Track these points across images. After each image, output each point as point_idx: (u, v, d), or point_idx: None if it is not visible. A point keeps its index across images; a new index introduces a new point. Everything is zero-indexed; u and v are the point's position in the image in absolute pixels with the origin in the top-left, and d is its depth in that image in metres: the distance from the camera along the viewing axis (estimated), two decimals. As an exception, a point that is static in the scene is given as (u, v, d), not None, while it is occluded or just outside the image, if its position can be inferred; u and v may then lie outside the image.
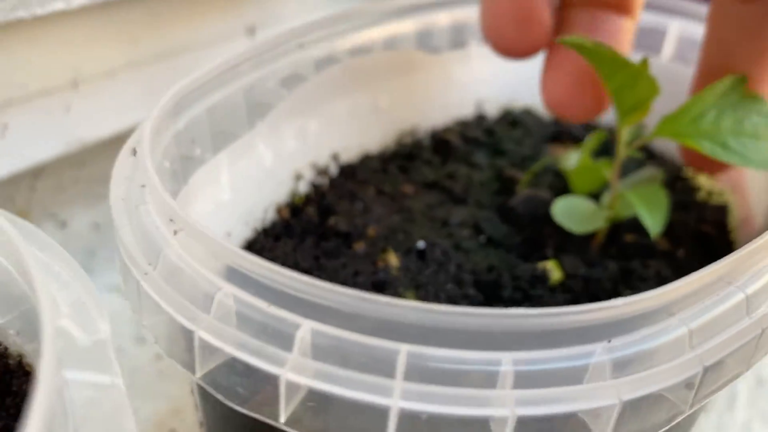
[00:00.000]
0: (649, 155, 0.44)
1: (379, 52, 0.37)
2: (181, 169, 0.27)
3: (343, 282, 0.31)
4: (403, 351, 0.19)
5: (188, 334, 0.20)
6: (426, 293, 0.30)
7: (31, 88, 0.36)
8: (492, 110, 0.45)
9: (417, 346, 0.19)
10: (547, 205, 0.36)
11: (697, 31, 0.40)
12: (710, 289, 0.22)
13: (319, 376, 0.19)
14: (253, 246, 0.32)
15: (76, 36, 0.38)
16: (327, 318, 0.20)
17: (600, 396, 0.19)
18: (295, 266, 0.31)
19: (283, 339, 0.20)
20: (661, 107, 0.31)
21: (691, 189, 0.41)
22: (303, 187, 0.35)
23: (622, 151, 0.33)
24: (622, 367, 0.20)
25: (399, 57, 0.38)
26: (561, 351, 0.20)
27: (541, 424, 0.19)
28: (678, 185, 0.41)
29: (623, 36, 0.33)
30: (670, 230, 0.37)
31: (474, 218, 0.36)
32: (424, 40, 0.39)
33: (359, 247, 0.33)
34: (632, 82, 0.29)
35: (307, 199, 0.34)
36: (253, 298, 0.21)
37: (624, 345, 0.20)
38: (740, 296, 0.22)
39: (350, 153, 0.38)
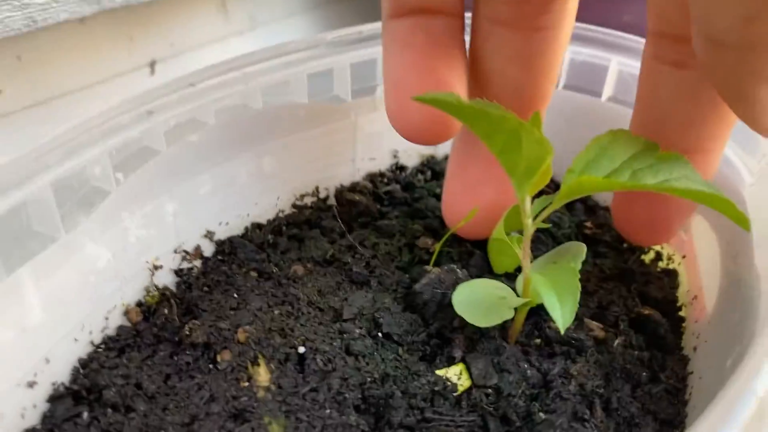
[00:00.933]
0: (590, 210, 0.38)
1: (259, 109, 0.31)
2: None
3: (193, 414, 0.25)
4: None
5: None
6: (297, 422, 0.25)
7: None
8: (411, 160, 0.39)
9: None
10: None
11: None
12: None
13: None
14: (87, 365, 0.26)
15: None
16: None
17: None
18: (137, 390, 0.25)
19: None
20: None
21: (639, 250, 0.35)
22: (166, 279, 0.29)
23: (528, 226, 0.27)
24: None
25: (286, 111, 0.32)
26: None
27: None
28: (623, 245, 0.36)
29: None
30: (606, 309, 0.32)
31: (372, 308, 0.30)
32: (320, 87, 0.33)
33: (224, 357, 0.27)
34: (517, 143, 0.23)
35: (164, 296, 0.28)
36: None
37: None
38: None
39: (230, 227, 0.32)
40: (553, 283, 0.26)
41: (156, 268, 0.29)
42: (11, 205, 0.22)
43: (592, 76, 0.36)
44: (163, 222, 0.28)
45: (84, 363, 0.26)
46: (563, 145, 0.29)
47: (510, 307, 0.27)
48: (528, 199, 0.27)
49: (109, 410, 0.25)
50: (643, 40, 0.27)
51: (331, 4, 0.57)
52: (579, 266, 0.28)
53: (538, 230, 0.35)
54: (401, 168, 0.38)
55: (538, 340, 0.29)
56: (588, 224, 0.37)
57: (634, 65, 0.35)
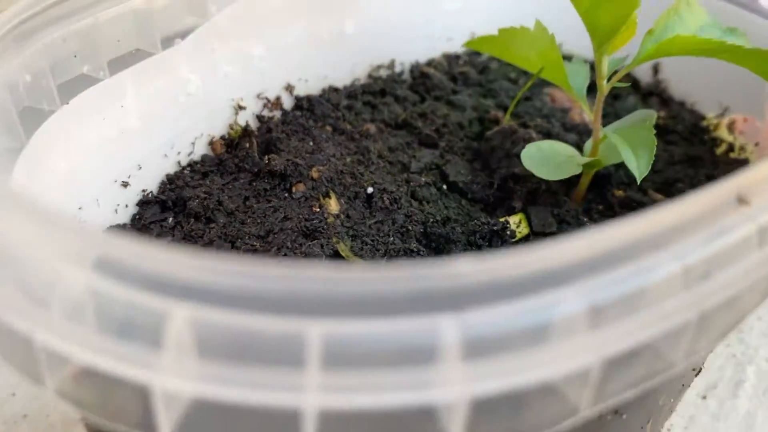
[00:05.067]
0: (664, 102, 0.38)
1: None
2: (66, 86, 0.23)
3: (269, 228, 0.27)
4: (313, 332, 0.13)
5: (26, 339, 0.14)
6: (362, 245, 0.26)
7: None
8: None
9: (332, 321, 0.13)
10: (527, 142, 0.31)
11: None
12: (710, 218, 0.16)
13: (204, 378, 0.13)
14: (173, 181, 0.28)
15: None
16: (211, 300, 0.13)
17: (575, 355, 0.14)
18: (219, 206, 0.27)
19: (153, 334, 0.13)
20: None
21: (710, 141, 0.35)
22: (249, 120, 0.31)
23: (603, 87, 0.27)
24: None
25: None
26: (518, 305, 0.14)
27: (500, 404, 0.14)
28: (696, 137, 0.35)
29: None
30: (672, 185, 0.32)
31: (439, 162, 0.31)
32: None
33: (299, 189, 0.29)
34: (614, 5, 0.24)
35: (246, 132, 0.30)
36: (109, 283, 0.14)
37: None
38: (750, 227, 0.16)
39: (309, 85, 0.34)
40: (628, 138, 0.27)
41: (240, 108, 0.31)
42: (117, 13, 0.24)
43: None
44: (249, 63, 0.30)
45: (170, 179, 0.28)
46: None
47: (578, 164, 0.28)
48: (605, 59, 0.27)
49: (192, 219, 0.27)
50: None
51: None
52: (652, 126, 0.28)
53: (608, 117, 0.36)
54: (477, 52, 0.39)
55: (600, 206, 0.30)
56: (662, 114, 0.36)
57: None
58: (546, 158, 0.28)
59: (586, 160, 0.28)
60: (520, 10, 0.36)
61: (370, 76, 0.36)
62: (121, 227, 0.26)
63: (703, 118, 0.36)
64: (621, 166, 0.30)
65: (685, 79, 0.37)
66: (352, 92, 0.35)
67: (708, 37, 0.27)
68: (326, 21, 0.33)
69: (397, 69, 0.37)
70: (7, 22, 0.20)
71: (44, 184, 0.21)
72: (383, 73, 0.37)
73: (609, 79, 0.28)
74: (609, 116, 0.36)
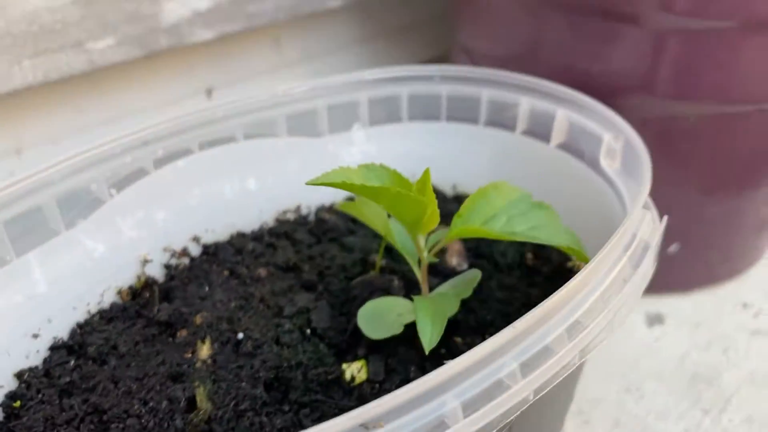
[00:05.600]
0: (539, 245, 0.42)
1: (241, 141, 0.39)
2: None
3: (146, 371, 0.33)
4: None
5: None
6: (218, 389, 0.32)
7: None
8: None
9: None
10: (384, 292, 0.36)
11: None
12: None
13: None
14: (83, 327, 0.35)
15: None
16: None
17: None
18: (113, 350, 0.34)
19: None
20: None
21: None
22: (154, 271, 0.38)
23: (424, 258, 0.33)
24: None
25: (266, 144, 0.40)
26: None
27: None
28: (560, 277, 0.40)
29: None
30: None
31: (311, 307, 0.37)
32: (299, 125, 0.41)
33: (182, 334, 0.35)
34: (399, 204, 0.29)
35: (147, 283, 0.37)
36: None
37: None
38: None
39: (216, 233, 0.40)
40: (433, 306, 0.32)
41: (146, 261, 0.37)
42: (27, 207, 0.32)
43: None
44: (153, 226, 0.37)
45: (80, 325, 0.35)
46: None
47: (401, 324, 0.33)
48: (421, 238, 0.33)
49: (90, 361, 0.34)
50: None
51: (380, 39, 0.65)
52: (469, 292, 0.33)
53: (481, 259, 0.41)
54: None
55: (443, 351, 0.35)
56: (529, 256, 0.41)
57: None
58: (377, 316, 0.33)
59: (410, 319, 0.33)
60: (420, 151, 0.42)
61: (277, 220, 0.42)
62: (31, 369, 0.33)
63: (569, 259, 0.40)
64: (468, 313, 0.35)
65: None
66: (258, 236, 0.42)
67: (513, 213, 0.32)
68: (227, 182, 0.39)
69: (303, 212, 0.43)
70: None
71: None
72: (290, 216, 0.43)
73: (431, 250, 0.33)
74: (484, 257, 0.41)
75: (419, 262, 0.34)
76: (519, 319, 0.25)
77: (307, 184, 0.28)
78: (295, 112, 0.40)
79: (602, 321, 0.26)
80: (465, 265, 0.40)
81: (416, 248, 0.33)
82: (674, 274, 0.52)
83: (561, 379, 0.25)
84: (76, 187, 0.33)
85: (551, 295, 0.25)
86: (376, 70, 0.41)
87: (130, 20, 0.44)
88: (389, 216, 0.35)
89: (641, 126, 0.44)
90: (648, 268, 0.29)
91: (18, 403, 0.32)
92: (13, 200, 0.31)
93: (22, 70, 0.41)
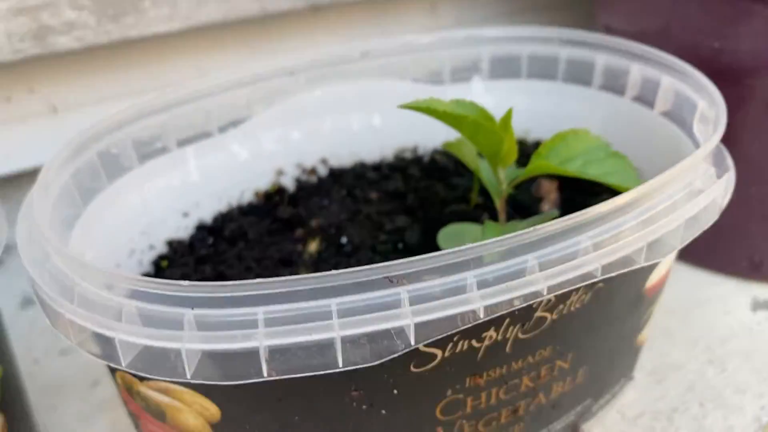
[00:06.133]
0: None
1: (372, 80, 0.45)
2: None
3: (266, 255, 0.41)
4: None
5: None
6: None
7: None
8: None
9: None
10: (472, 221, 0.41)
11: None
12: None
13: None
14: (225, 215, 0.43)
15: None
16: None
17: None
18: (243, 236, 0.42)
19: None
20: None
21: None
22: (287, 182, 0.46)
23: (503, 191, 0.37)
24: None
25: (392, 86, 0.45)
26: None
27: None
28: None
29: None
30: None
31: (408, 227, 0.42)
32: (424, 72, 0.46)
33: (299, 233, 0.42)
34: (477, 133, 0.34)
35: (279, 190, 0.45)
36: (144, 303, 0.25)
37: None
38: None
39: (342, 160, 0.47)
40: (497, 229, 0.36)
41: (281, 173, 0.45)
42: (193, 108, 0.40)
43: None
44: (289, 143, 0.44)
45: (222, 214, 0.44)
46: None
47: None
48: (501, 171, 0.37)
49: (224, 242, 0.42)
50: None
51: (528, 12, 0.68)
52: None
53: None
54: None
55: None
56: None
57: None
58: (455, 236, 0.38)
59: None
60: (535, 108, 0.46)
61: (395, 156, 0.48)
62: (179, 241, 0.42)
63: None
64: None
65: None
66: (377, 167, 0.48)
67: (590, 158, 0.35)
68: (355, 116, 0.46)
69: (420, 152, 0.49)
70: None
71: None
72: (408, 155, 0.48)
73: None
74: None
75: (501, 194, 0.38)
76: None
77: (398, 107, 0.33)
78: (420, 59, 0.46)
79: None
80: (557, 214, 0.43)
81: (498, 179, 0.37)
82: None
83: (626, 271, 0.28)
84: (231, 100, 0.41)
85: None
86: (500, 29, 0.46)
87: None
88: (479, 155, 0.39)
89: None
90: (696, 212, 0.31)
91: (165, 263, 0.41)
92: (182, 102, 0.40)
93: (209, 10, 0.50)
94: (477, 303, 0.26)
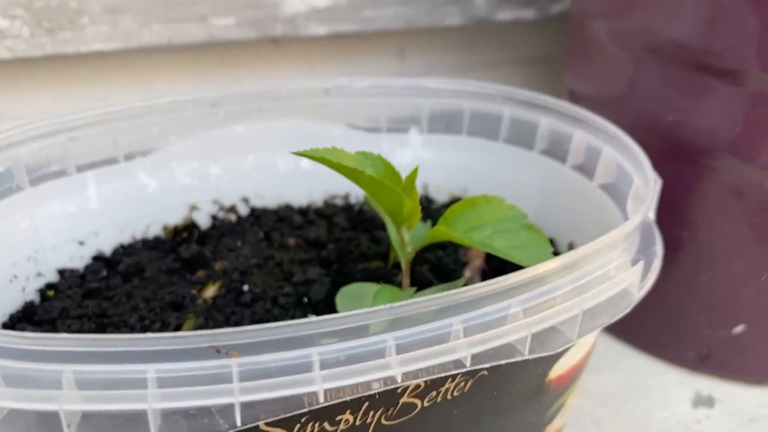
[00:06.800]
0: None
1: (300, 121, 0.43)
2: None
3: (158, 296, 0.38)
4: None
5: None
6: (204, 325, 0.36)
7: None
8: (440, 195, 0.46)
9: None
10: (383, 280, 0.38)
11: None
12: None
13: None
14: (125, 248, 0.41)
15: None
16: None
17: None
18: (140, 271, 0.39)
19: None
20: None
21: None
22: (201, 218, 0.43)
23: (407, 253, 0.34)
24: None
25: (323, 128, 0.43)
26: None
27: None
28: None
29: None
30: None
31: (316, 280, 0.39)
32: (358, 118, 0.44)
33: (199, 274, 0.39)
34: (378, 191, 0.31)
35: (190, 226, 0.42)
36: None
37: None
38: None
39: (265, 200, 0.44)
40: (390, 293, 0.33)
41: (195, 208, 0.42)
42: (97, 132, 0.38)
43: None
44: (207, 179, 0.42)
45: (123, 246, 0.41)
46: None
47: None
48: (404, 230, 0.34)
49: (118, 276, 0.39)
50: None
51: (498, 68, 0.66)
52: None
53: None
54: (429, 199, 0.46)
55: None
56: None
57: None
58: (354, 296, 0.35)
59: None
60: (474, 168, 0.43)
61: (325, 202, 0.46)
62: (72, 270, 0.39)
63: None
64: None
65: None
66: (303, 211, 0.45)
67: (500, 228, 0.32)
68: (281, 156, 0.43)
69: (352, 200, 0.46)
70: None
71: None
72: (338, 201, 0.46)
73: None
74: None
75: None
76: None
77: (291, 153, 0.31)
78: (358, 104, 0.43)
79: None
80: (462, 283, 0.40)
81: (401, 241, 0.34)
82: (739, 358, 0.47)
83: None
84: (141, 127, 0.39)
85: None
86: (443, 80, 0.43)
87: (251, 6, 0.50)
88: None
89: (736, 198, 0.42)
90: (599, 301, 0.28)
91: (52, 293, 0.38)
92: (87, 124, 0.37)
93: (151, 32, 0.48)
94: (317, 385, 0.23)
